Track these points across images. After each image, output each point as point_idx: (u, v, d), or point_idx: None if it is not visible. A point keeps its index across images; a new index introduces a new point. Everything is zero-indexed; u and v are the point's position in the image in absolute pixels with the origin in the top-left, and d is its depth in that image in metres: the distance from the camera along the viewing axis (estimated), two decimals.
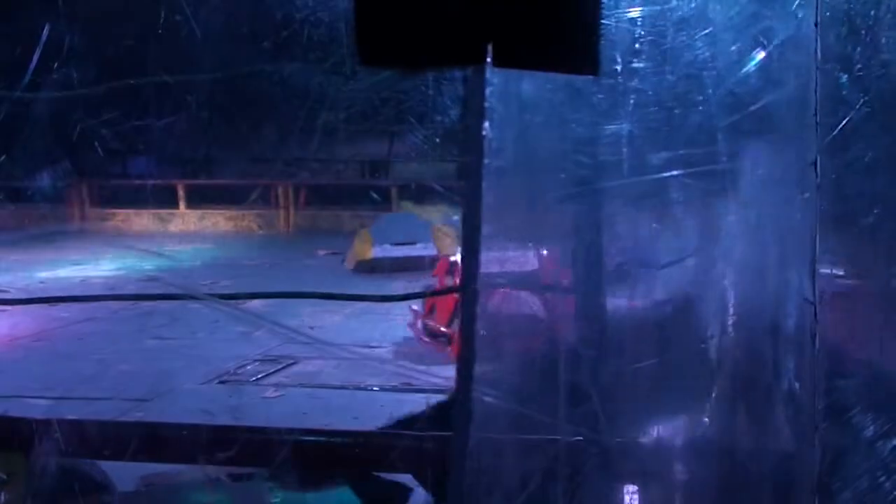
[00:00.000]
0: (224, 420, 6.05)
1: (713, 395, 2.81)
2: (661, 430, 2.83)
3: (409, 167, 18.57)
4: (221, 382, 7.59)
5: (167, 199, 18.51)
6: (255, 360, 8.18)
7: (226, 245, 16.05)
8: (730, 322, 2.80)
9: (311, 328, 9.39)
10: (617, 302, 2.89)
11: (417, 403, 5.93)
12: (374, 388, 7.19)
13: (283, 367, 7.95)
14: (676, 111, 2.77)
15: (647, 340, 2.87)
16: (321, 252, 15.13)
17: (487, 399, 2.47)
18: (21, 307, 10.66)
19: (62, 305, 10.71)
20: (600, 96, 2.74)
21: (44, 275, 13.02)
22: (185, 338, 9.16)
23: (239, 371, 7.84)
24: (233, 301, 10.56)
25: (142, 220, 18.73)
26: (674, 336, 2.89)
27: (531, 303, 2.91)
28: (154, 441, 4.15)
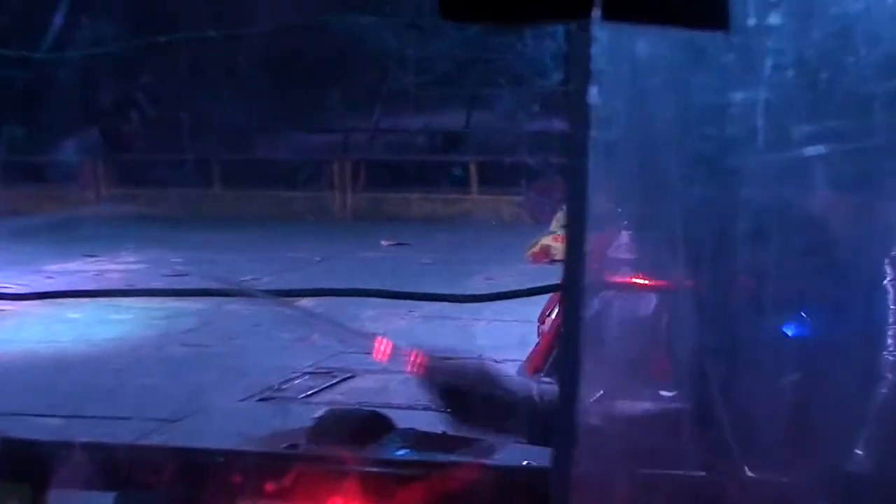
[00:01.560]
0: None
1: (870, 421, 2.80)
2: (807, 464, 2.83)
3: (493, 140, 18.47)
4: (263, 400, 7.65)
5: (200, 178, 18.55)
6: (305, 373, 8.24)
7: (270, 234, 16.16)
8: (892, 332, 2.78)
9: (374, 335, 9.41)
10: (751, 305, 2.89)
11: None
12: (448, 408, 7.18)
13: (338, 382, 7.99)
14: (823, 75, 2.77)
15: (789, 353, 2.87)
16: (385, 243, 15.18)
17: (594, 422, 2.48)
18: (25, 307, 10.80)
19: (73, 305, 10.85)
20: (730, 57, 2.74)
21: (52, 267, 13.21)
22: (219, 345, 9.25)
23: (284, 386, 7.90)
24: (278, 300, 10.63)
25: (169, 202, 18.84)
26: (822, 349, 2.88)
27: (647, 305, 2.92)
28: (186, 469, 4.19)
